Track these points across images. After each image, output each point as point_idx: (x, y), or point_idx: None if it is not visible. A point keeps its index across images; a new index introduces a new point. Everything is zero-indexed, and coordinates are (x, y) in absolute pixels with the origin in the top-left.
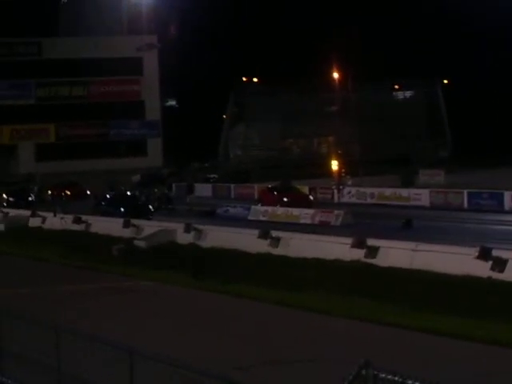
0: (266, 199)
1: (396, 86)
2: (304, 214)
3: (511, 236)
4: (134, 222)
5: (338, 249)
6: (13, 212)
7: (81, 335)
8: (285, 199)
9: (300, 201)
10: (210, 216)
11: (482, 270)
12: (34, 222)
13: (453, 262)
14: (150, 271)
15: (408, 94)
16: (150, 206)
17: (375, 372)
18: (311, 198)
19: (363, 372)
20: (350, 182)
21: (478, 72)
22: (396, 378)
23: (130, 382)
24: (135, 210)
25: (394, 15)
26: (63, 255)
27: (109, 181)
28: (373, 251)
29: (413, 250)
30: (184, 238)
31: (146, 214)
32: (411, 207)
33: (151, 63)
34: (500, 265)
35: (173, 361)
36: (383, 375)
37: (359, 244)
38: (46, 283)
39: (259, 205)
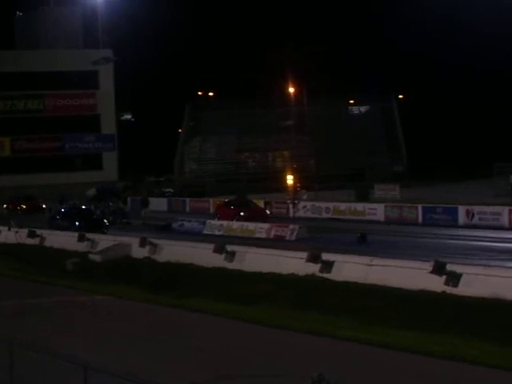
0: (223, 214)
1: (351, 101)
2: (259, 229)
3: (465, 250)
4: (89, 236)
5: (293, 263)
6: None
7: (35, 350)
8: (241, 214)
9: (257, 215)
10: (166, 230)
11: (437, 284)
12: None
13: (407, 276)
14: (105, 285)
15: (363, 108)
16: (105, 220)
17: None
18: (268, 212)
19: None
20: (305, 197)
21: (433, 87)
22: None
23: None
24: (90, 224)
25: (349, 30)
26: (17, 269)
27: (58, 194)
28: (327, 266)
29: (367, 265)
30: (139, 252)
31: (101, 228)
32: (366, 222)
33: (107, 77)
34: (454, 279)
35: (127, 375)
36: None
37: (314, 258)
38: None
39: (216, 219)
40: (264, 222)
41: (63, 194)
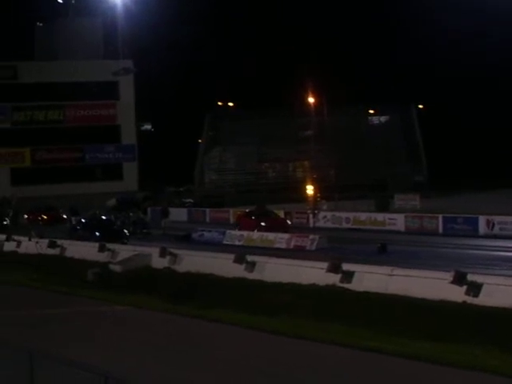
0: (244, 224)
1: (371, 111)
2: (279, 239)
3: (486, 261)
4: (110, 246)
5: (314, 273)
6: None
7: (56, 360)
8: (263, 224)
9: (278, 225)
10: (185, 240)
11: (457, 294)
12: (9, 246)
13: (428, 286)
14: (126, 296)
15: (383, 118)
16: (126, 231)
17: None
18: (289, 222)
19: None
20: (325, 207)
21: (453, 96)
22: None
23: None
24: (110, 235)
25: (369, 40)
26: (38, 279)
27: (71, 205)
28: (348, 276)
29: (388, 275)
30: (159, 262)
31: (121, 239)
32: (386, 232)
33: (127, 87)
34: (475, 289)
35: None
36: None
37: (334, 269)
38: (20, 307)
39: (237, 229)
40: (285, 232)
41: (74, 204)
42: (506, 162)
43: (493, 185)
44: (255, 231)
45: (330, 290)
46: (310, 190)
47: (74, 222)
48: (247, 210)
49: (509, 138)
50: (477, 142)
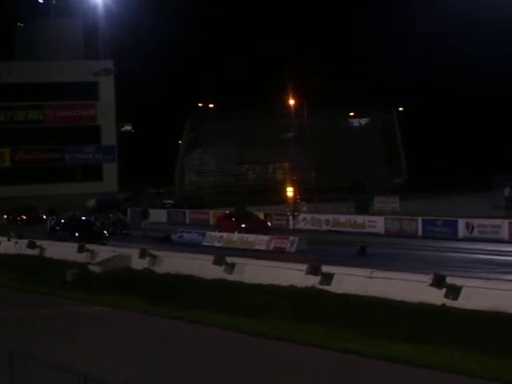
0: (225, 225)
1: (351, 114)
2: (259, 241)
3: (465, 263)
4: (89, 247)
5: (293, 275)
6: None
7: (35, 361)
8: (243, 225)
9: (258, 227)
10: (165, 241)
11: (436, 297)
12: None
13: (407, 289)
14: (105, 296)
15: (363, 121)
16: (105, 231)
17: None
18: (269, 224)
19: None
20: (305, 209)
21: (433, 99)
22: None
23: None
24: (90, 235)
25: (350, 43)
26: (17, 280)
27: (49, 205)
28: (327, 278)
29: (367, 277)
30: (139, 263)
31: (100, 239)
32: (366, 234)
33: (107, 88)
34: (454, 292)
35: None
36: None
37: (314, 270)
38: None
39: (217, 231)
40: (265, 233)
41: (52, 204)
42: (485, 165)
43: (472, 187)
44: (235, 233)
45: (309, 291)
46: (289, 191)
47: (51, 223)
48: (227, 212)
49: (488, 140)
50: (456, 144)
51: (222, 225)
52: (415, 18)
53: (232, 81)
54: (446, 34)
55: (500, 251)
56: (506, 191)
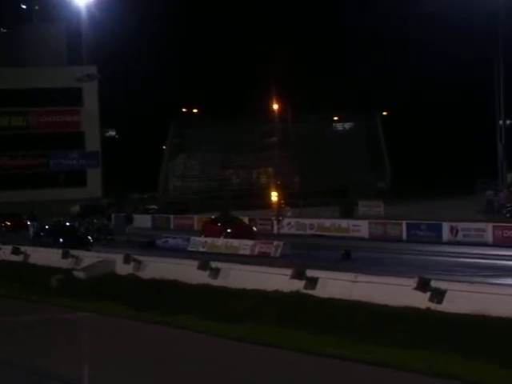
0: (210, 230)
1: (335, 118)
2: (243, 245)
3: (449, 267)
4: (73, 252)
5: (278, 280)
6: None
7: (19, 368)
8: (229, 230)
9: (244, 232)
10: (150, 247)
11: (421, 301)
12: None
13: (392, 293)
14: (90, 302)
15: (347, 125)
16: (90, 237)
17: None
18: (255, 229)
19: None
20: (289, 213)
21: (417, 104)
22: None
23: None
24: (74, 241)
25: (334, 47)
26: (1, 286)
27: (28, 211)
28: (312, 282)
29: (352, 281)
30: (123, 268)
31: (85, 245)
32: (350, 238)
33: (91, 94)
34: (438, 296)
35: None
36: None
37: (298, 275)
38: None
39: (203, 236)
40: (251, 238)
41: (33, 210)
42: (469, 169)
43: (456, 191)
44: (221, 238)
45: (293, 296)
46: (274, 196)
47: (33, 228)
48: (213, 217)
49: (472, 145)
50: (440, 148)
51: (208, 230)
52: (400, 22)
53: (216, 86)
54: (431, 39)
55: (484, 255)
56: (488, 194)
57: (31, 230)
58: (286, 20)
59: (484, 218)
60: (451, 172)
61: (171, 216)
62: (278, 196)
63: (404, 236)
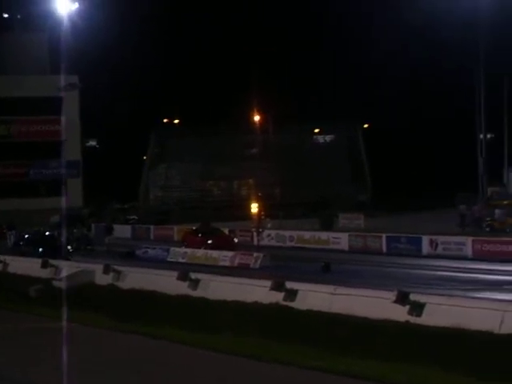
0: (191, 241)
1: (316, 130)
2: (223, 257)
3: (429, 280)
4: (53, 262)
5: (257, 291)
6: None
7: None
8: (209, 242)
9: (224, 243)
10: (130, 257)
11: (400, 314)
12: None
13: (371, 305)
14: (69, 312)
15: (328, 137)
16: (69, 247)
17: None
18: (236, 240)
19: None
20: (269, 225)
21: (398, 117)
22: None
23: None
24: (54, 251)
25: (315, 59)
26: None
27: (7, 220)
28: (291, 294)
29: (331, 294)
30: (103, 279)
31: (64, 255)
32: (330, 251)
33: (72, 103)
34: (417, 309)
35: None
36: None
37: (278, 287)
38: None
39: (183, 247)
40: (232, 250)
41: (11, 219)
42: (449, 182)
43: (436, 204)
44: (202, 248)
45: (273, 308)
46: (254, 208)
47: (12, 238)
48: (194, 228)
49: (452, 158)
50: (420, 161)
51: (189, 241)
52: (383, 34)
53: (197, 97)
54: (413, 51)
55: (464, 268)
56: (462, 208)
57: (10, 239)
58: (269, 32)
59: (462, 232)
60: (433, 185)
61: (151, 226)
62: (259, 207)
63: (384, 249)
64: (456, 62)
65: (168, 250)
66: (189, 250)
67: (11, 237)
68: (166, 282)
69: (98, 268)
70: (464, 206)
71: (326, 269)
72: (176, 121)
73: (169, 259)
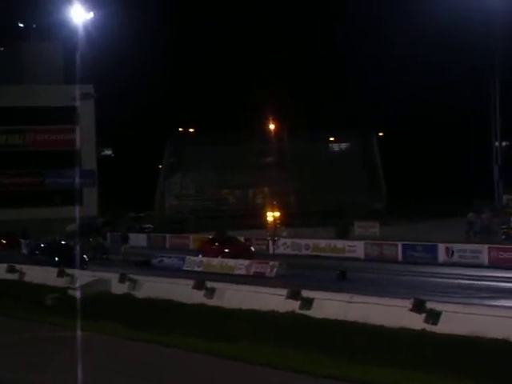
0: (208, 250)
1: (332, 138)
2: (239, 265)
3: (445, 288)
4: (69, 271)
5: (273, 300)
6: None
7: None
8: (226, 250)
9: (241, 252)
10: (145, 266)
11: (416, 322)
12: None
13: (387, 314)
14: (85, 321)
15: (344, 146)
16: (85, 256)
17: None
18: (252, 249)
19: None
20: (285, 234)
21: (413, 124)
22: None
23: None
24: (70, 260)
25: (331, 68)
26: None
27: (21, 229)
28: (307, 303)
29: (347, 302)
30: (119, 288)
31: (80, 264)
32: (346, 259)
33: (87, 112)
34: (433, 317)
35: None
36: None
37: (294, 295)
38: None
39: (200, 256)
40: (249, 258)
41: (25, 228)
42: (466, 190)
43: (452, 212)
44: (219, 257)
45: (289, 316)
46: (269, 216)
47: (26, 246)
48: (210, 237)
49: (468, 165)
50: (436, 169)
51: (205, 249)
52: (396, 43)
53: (212, 105)
54: (428, 59)
55: (480, 276)
56: (470, 216)
57: (24, 248)
58: (284, 41)
59: (468, 239)
60: (447, 193)
61: (167, 235)
62: (274, 216)
63: (400, 257)
64: (472, 70)
65: (184, 259)
66: (204, 259)
67: (25, 245)
68: (182, 291)
69: (113, 277)
70: (472, 213)
71: (342, 277)
72: (191, 129)
73: (184, 268)
